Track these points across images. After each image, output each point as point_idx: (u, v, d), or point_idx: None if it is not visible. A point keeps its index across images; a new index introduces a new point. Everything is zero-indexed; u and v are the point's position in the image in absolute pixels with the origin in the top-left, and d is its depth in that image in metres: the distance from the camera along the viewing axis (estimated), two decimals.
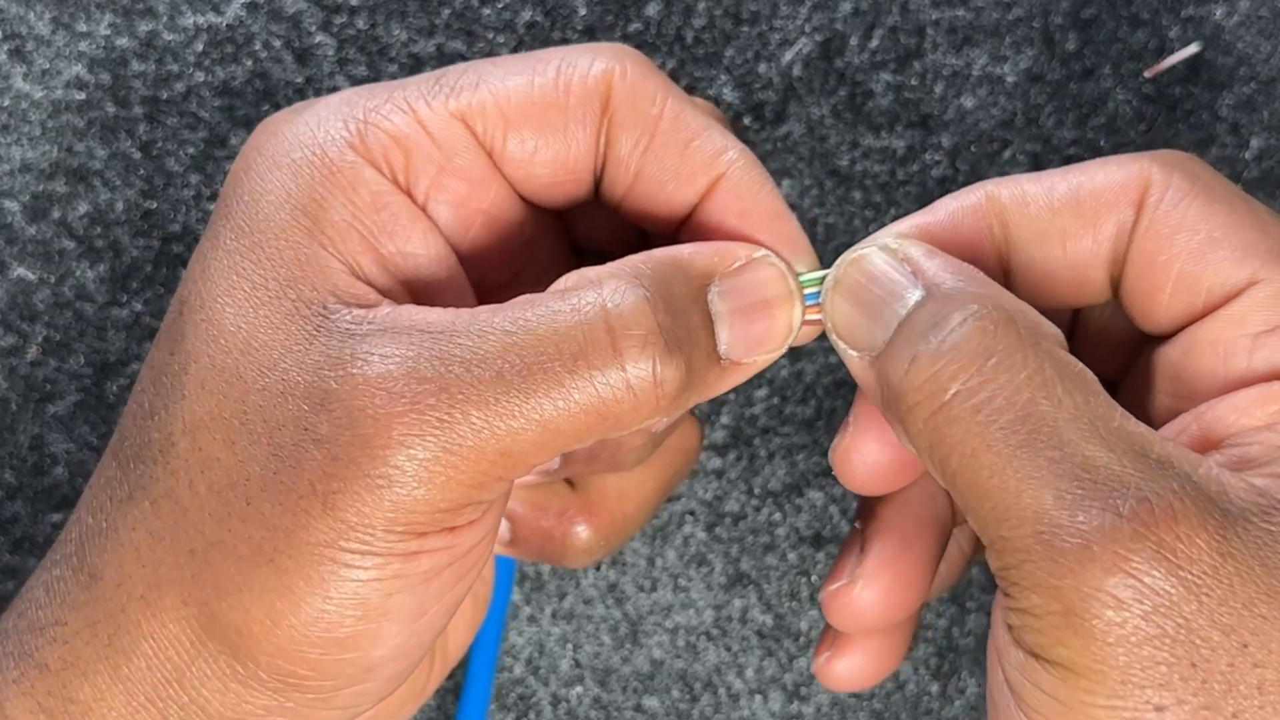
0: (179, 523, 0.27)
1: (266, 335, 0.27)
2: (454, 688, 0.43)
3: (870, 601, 0.31)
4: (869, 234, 0.30)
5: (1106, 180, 0.28)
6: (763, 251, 0.29)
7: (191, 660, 0.27)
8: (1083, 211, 0.28)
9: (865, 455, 0.30)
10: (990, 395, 0.25)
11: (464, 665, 0.42)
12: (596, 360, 0.26)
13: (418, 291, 0.28)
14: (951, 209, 0.29)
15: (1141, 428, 0.25)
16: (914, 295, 0.27)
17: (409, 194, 0.29)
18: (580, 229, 0.33)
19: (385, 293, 0.28)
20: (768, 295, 0.29)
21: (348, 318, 0.27)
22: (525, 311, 0.26)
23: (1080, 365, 0.26)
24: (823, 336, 0.31)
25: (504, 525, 0.34)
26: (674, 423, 0.34)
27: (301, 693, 0.27)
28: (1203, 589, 0.24)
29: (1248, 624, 0.24)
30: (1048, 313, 0.28)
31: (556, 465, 0.32)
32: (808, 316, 0.29)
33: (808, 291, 0.29)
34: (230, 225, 0.28)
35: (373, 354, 0.26)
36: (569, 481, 0.35)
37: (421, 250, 0.28)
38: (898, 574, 0.31)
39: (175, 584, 0.27)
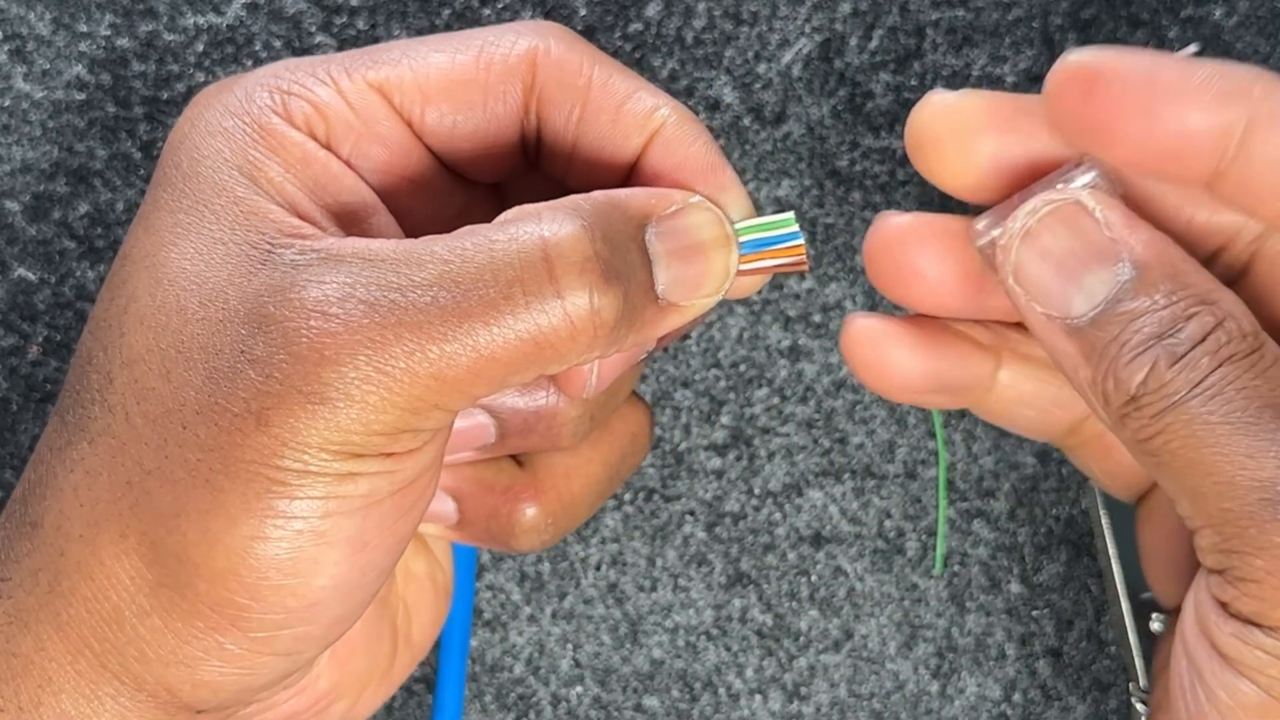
0: (115, 457, 0.27)
1: (212, 272, 0.27)
2: (423, 680, 0.43)
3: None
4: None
5: None
6: (697, 197, 0.29)
7: (131, 597, 0.26)
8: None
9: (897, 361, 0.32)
10: (1222, 389, 0.26)
11: (438, 665, 0.42)
12: (533, 288, 0.26)
13: (357, 235, 0.29)
14: (1214, 81, 0.28)
15: None
16: (1125, 271, 0.27)
17: (335, 151, 0.29)
18: (514, 202, 0.33)
19: (327, 231, 0.28)
20: (703, 239, 0.29)
21: (293, 250, 0.27)
22: (464, 241, 0.27)
23: None
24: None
25: (450, 505, 0.34)
26: (614, 397, 0.34)
27: (242, 630, 0.27)
28: None
29: None
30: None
31: (494, 438, 0.32)
32: (743, 266, 0.30)
33: (744, 240, 0.30)
34: (170, 189, 0.29)
35: (311, 281, 0.26)
36: (517, 462, 0.35)
37: (355, 199, 0.29)
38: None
39: (112, 518, 0.27)
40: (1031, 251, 0.28)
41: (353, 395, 0.26)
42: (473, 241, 0.27)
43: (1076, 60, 0.28)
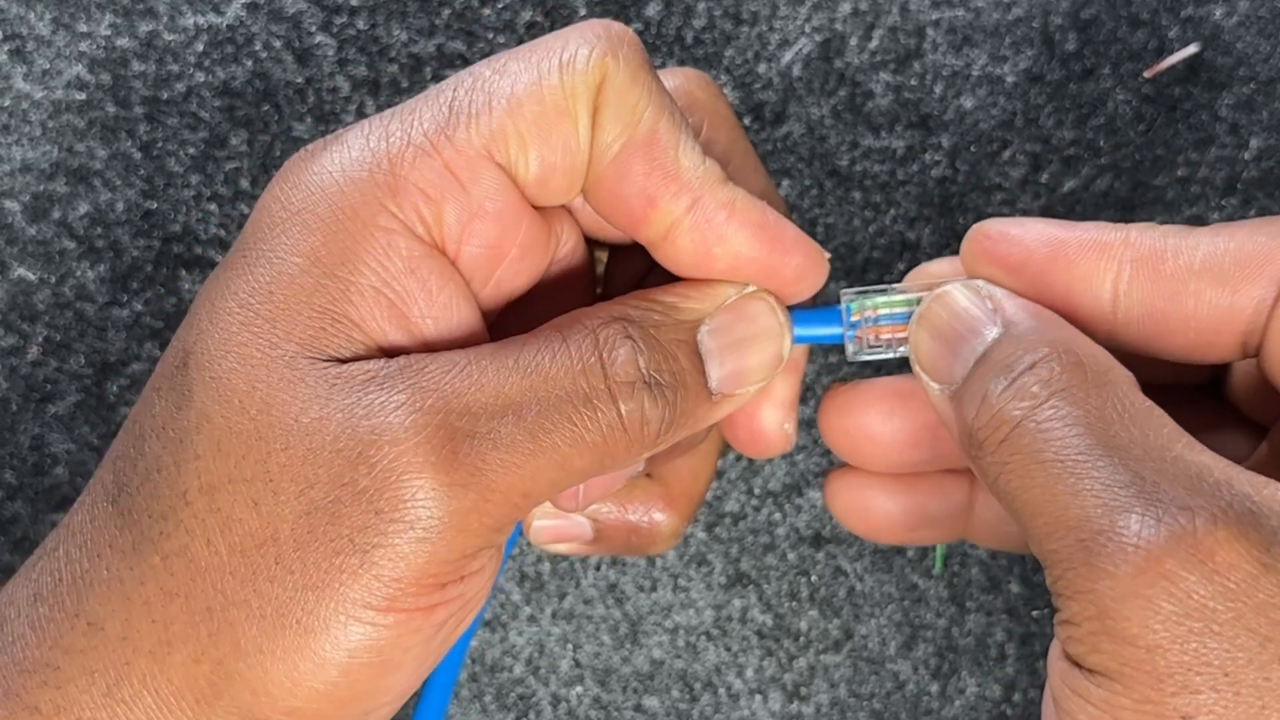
0: (194, 581, 0.27)
1: (284, 395, 0.27)
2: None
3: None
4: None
5: (1252, 251, 0.28)
6: (751, 288, 0.30)
7: (196, 716, 0.27)
8: (1222, 280, 0.28)
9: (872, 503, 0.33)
10: (1051, 423, 0.26)
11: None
12: (600, 404, 0.27)
13: (436, 350, 0.29)
14: (1088, 237, 0.29)
15: (1206, 456, 0.26)
16: (992, 332, 0.28)
17: (441, 247, 0.28)
18: (601, 235, 0.33)
19: (405, 353, 0.28)
20: (755, 330, 0.30)
21: (363, 369, 0.27)
22: (534, 356, 0.27)
23: (1148, 404, 0.27)
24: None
25: (586, 525, 0.34)
26: None
27: None
28: (1239, 595, 0.24)
29: None
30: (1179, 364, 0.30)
31: (642, 466, 0.32)
32: (879, 336, 0.31)
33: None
34: (248, 279, 0.28)
35: (400, 406, 0.26)
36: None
37: (445, 315, 0.28)
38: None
39: (188, 642, 0.27)
40: (923, 331, 0.30)
41: (460, 524, 0.26)
42: (544, 358, 0.27)
43: (991, 227, 0.30)
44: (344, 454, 0.26)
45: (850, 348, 0.31)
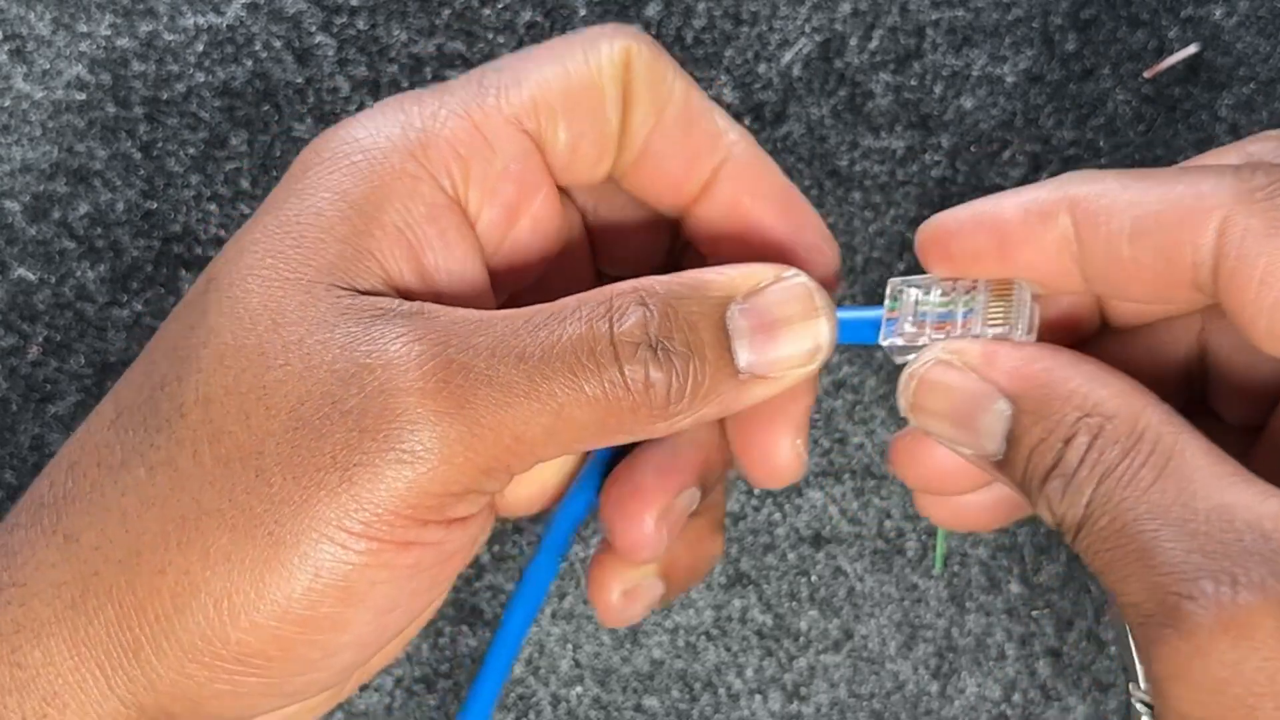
0: (174, 490, 0.27)
1: (294, 314, 0.27)
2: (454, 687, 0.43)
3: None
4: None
5: (1175, 214, 0.27)
6: (792, 271, 0.30)
7: (154, 634, 0.26)
8: (1154, 249, 0.28)
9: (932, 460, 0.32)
10: (1103, 513, 0.27)
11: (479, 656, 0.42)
12: (602, 359, 0.27)
13: (446, 304, 0.29)
14: (1029, 212, 0.29)
15: (1231, 494, 0.26)
16: (1004, 408, 0.28)
17: (463, 205, 0.29)
18: (606, 251, 0.34)
19: (416, 299, 0.28)
20: (789, 313, 0.29)
21: (376, 303, 0.27)
22: (546, 316, 0.28)
23: (1175, 439, 0.27)
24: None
25: (660, 585, 0.34)
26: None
27: (259, 676, 0.27)
28: (1273, 655, 0.24)
29: None
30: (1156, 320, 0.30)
31: (697, 501, 0.32)
32: (932, 335, 0.30)
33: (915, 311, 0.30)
34: (275, 214, 0.28)
35: (401, 336, 0.27)
36: None
37: (459, 269, 0.29)
38: None
39: (157, 551, 0.26)
40: (926, 417, 0.30)
41: (444, 454, 0.26)
42: (552, 315, 0.28)
43: (932, 226, 0.30)
44: (338, 373, 0.26)
45: (886, 343, 0.30)
